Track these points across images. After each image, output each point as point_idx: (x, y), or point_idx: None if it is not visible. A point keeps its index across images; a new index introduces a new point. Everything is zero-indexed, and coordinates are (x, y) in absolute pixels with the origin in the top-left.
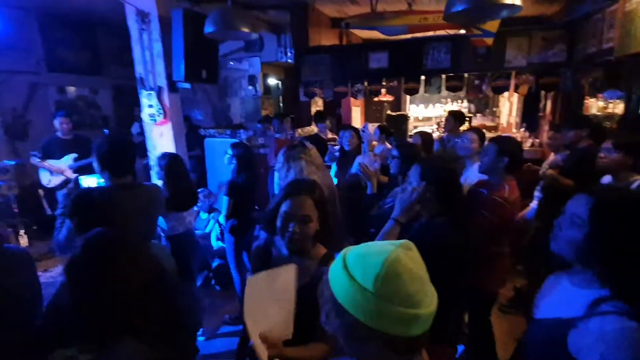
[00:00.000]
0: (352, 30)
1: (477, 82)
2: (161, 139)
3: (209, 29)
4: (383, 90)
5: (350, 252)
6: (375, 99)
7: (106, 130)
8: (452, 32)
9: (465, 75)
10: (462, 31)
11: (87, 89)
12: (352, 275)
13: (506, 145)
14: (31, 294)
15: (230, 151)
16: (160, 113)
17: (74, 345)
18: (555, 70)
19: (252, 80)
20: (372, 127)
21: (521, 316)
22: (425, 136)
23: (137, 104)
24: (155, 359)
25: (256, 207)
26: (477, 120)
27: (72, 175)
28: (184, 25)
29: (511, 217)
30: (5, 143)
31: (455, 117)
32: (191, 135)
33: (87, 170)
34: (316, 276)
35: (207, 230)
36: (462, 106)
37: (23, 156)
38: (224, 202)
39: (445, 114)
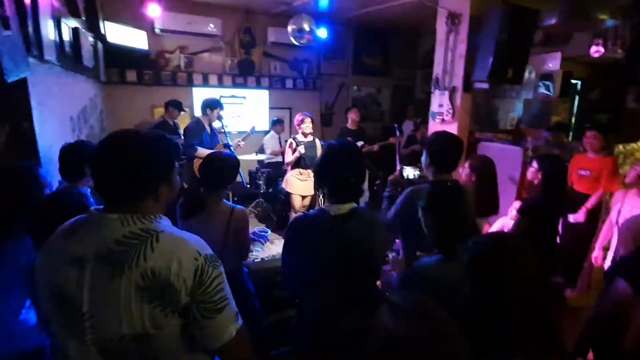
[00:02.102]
0: None
1: None
2: None
3: (550, 21)
4: None
5: None
6: None
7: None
8: None
9: None
10: None
11: (375, 88)
12: None
13: None
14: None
15: (535, 164)
16: (449, 112)
17: None
18: None
19: (546, 79)
20: None
21: None
22: None
23: (409, 103)
24: None
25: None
26: None
27: None
28: (501, 22)
29: None
30: (319, 129)
31: None
32: None
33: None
34: None
35: None
36: None
37: (327, 140)
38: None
39: None
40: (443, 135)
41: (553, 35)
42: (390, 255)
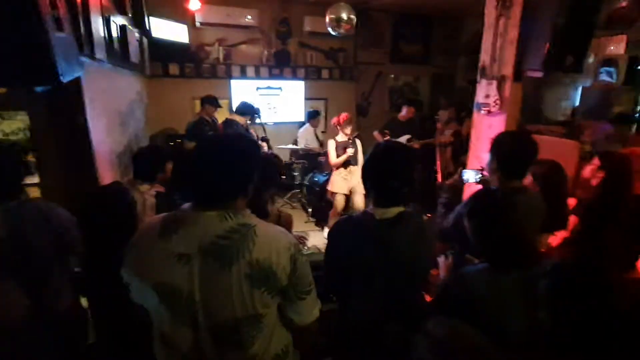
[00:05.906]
0: None
1: None
2: (489, 131)
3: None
4: None
5: None
6: None
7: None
8: None
9: None
10: None
11: (413, 77)
12: None
13: None
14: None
15: (596, 161)
16: (496, 104)
17: None
18: None
19: (608, 64)
20: None
21: None
22: None
23: (447, 92)
24: None
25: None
26: None
27: None
28: (560, 3)
29: None
30: (355, 119)
31: None
32: None
33: None
34: None
35: None
36: None
37: (363, 131)
38: None
39: None
40: (514, 136)
41: (616, 18)
42: (439, 258)
